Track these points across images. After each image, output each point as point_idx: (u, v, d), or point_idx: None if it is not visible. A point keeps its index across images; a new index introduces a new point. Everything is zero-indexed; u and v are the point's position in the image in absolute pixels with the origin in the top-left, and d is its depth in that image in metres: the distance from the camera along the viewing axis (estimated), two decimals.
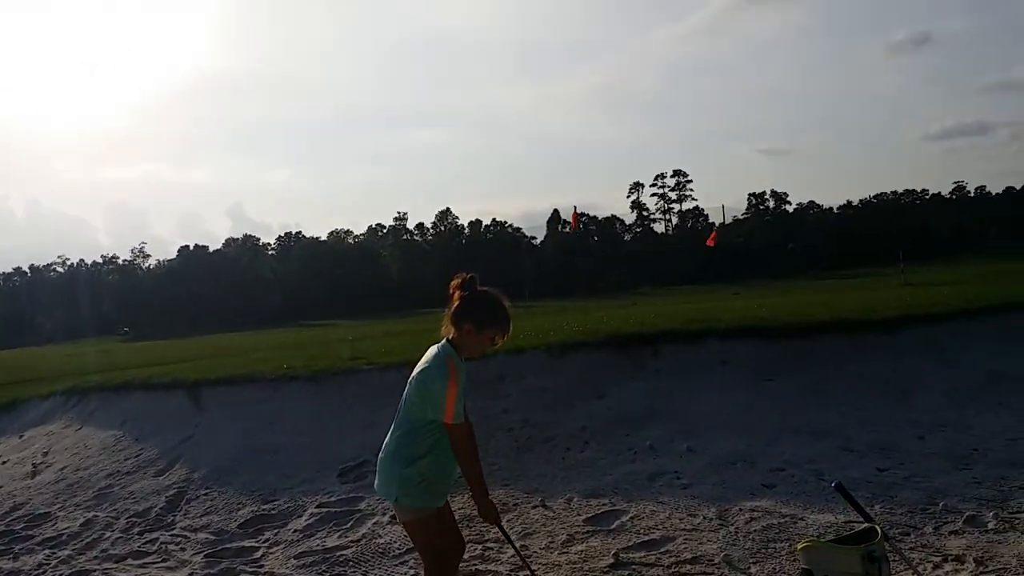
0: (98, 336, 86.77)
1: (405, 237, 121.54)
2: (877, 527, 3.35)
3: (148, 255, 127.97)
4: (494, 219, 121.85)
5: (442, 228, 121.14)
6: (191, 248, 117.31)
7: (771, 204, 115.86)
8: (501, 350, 9.75)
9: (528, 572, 4.28)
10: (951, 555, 4.76)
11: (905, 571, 4.38)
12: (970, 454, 6.65)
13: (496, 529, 4.10)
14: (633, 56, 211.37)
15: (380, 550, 5.76)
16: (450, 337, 3.83)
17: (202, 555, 6.09)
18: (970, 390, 8.19)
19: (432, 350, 3.86)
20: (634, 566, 5.04)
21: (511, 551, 5.46)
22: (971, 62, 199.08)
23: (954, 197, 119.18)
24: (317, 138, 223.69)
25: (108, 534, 6.88)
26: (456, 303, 3.80)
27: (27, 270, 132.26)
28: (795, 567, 4.68)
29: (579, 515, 6.07)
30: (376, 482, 3.92)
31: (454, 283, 3.83)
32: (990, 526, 5.18)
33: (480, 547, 5.57)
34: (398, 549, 5.73)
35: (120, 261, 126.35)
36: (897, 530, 5.20)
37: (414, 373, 3.83)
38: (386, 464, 3.82)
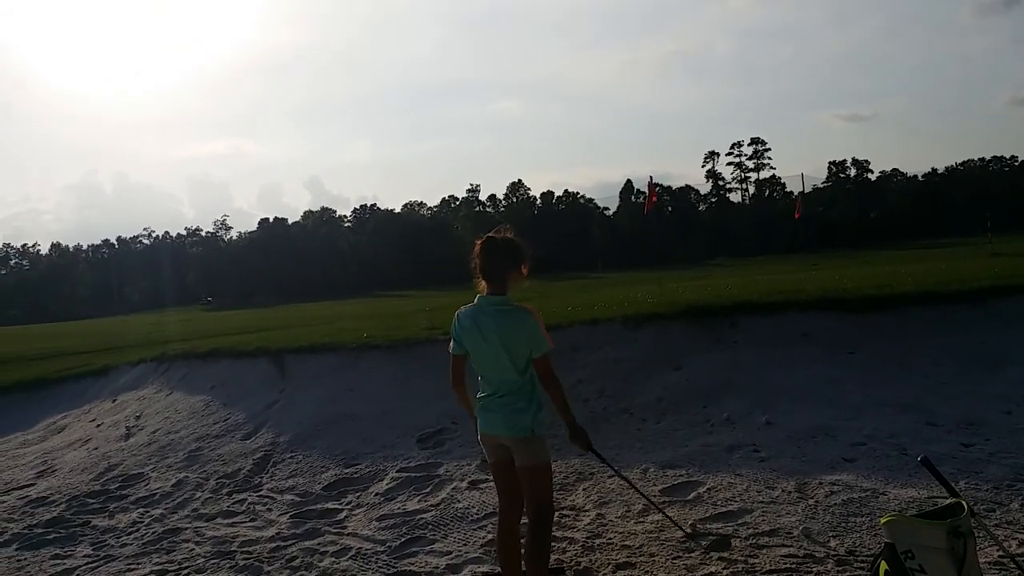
0: (182, 306, 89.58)
1: (478, 209, 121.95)
2: (963, 502, 3.30)
3: (230, 227, 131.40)
4: (566, 190, 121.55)
5: (514, 200, 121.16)
6: (271, 221, 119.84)
7: (852, 172, 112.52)
8: (576, 320, 9.82)
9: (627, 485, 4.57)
10: None
11: (991, 547, 4.30)
12: None
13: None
14: (710, 22, 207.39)
15: (459, 514, 5.89)
16: (491, 291, 4.02)
17: (288, 515, 6.31)
18: None
19: (483, 309, 4.02)
20: (711, 537, 5.05)
21: (587, 519, 5.53)
22: None
23: None
24: (393, 111, 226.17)
25: (198, 494, 7.17)
26: (489, 260, 4.00)
27: (115, 242, 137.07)
28: (875, 541, 4.63)
29: (655, 485, 6.08)
30: (496, 424, 4.08)
31: (479, 246, 4.06)
32: None
33: (556, 515, 5.64)
34: (476, 514, 5.84)
35: (203, 233, 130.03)
36: (982, 506, 5.09)
37: (483, 334, 3.99)
38: (512, 405, 4.01)
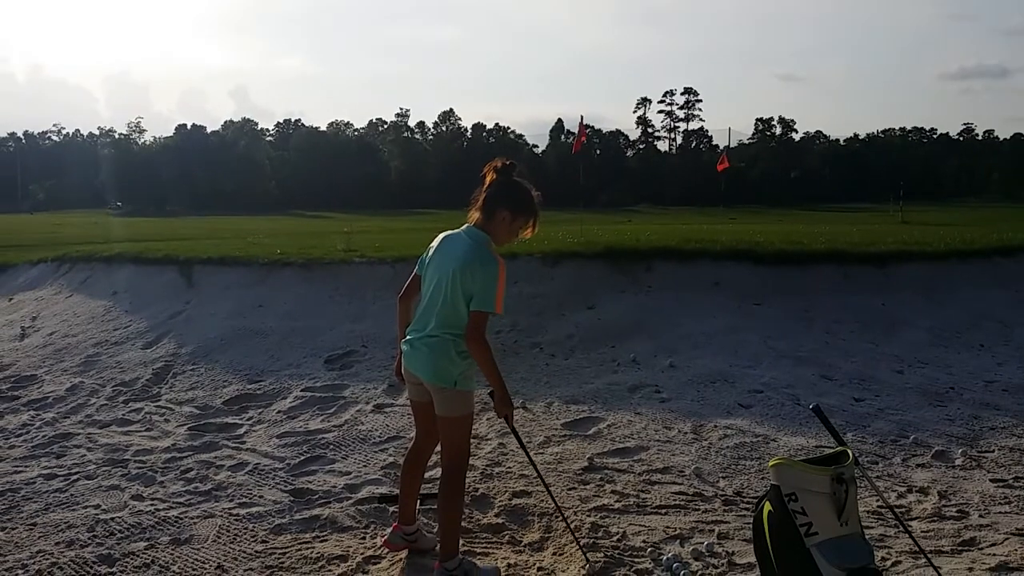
0: (90, 208, 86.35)
1: (405, 135, 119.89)
2: (848, 451, 3.42)
3: (144, 130, 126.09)
4: (497, 124, 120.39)
5: (444, 129, 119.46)
6: (188, 127, 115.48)
7: (777, 131, 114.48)
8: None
9: (534, 468, 4.25)
10: (916, 487, 4.88)
11: (871, 497, 4.51)
12: (946, 392, 6.77)
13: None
14: None
15: (362, 436, 5.87)
16: (477, 223, 3.70)
17: (186, 427, 6.19)
18: (954, 330, 8.31)
19: (459, 236, 3.71)
20: (606, 471, 5.16)
21: (489, 448, 5.58)
22: (1001, 3, 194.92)
23: (961, 139, 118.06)
24: (334, 26, 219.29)
25: (93, 400, 6.97)
26: (492, 187, 3.69)
27: (21, 136, 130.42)
28: (763, 484, 4.80)
29: (558, 419, 6.18)
30: (419, 366, 3.70)
31: (491, 166, 3.71)
32: (957, 463, 5.31)
33: None
34: (379, 437, 5.84)
35: (116, 135, 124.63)
36: (866, 458, 5.33)
37: (445, 261, 3.66)
38: (439, 351, 3.64)
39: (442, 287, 3.64)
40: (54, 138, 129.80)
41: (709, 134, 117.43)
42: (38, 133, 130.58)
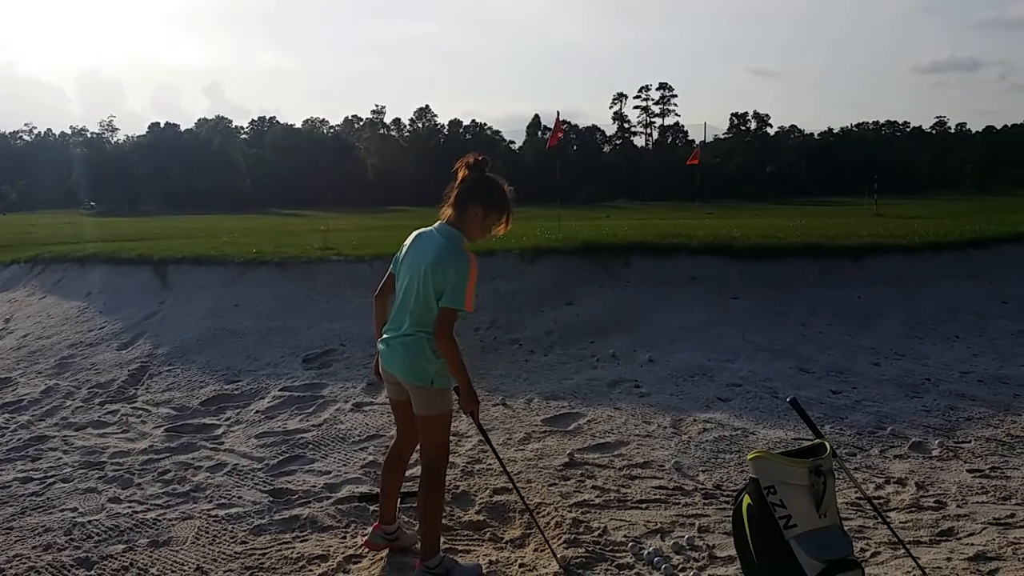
0: (63, 208, 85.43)
1: (381, 132, 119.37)
2: (826, 443, 3.44)
3: (116, 129, 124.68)
4: (473, 120, 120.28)
5: (420, 126, 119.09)
6: (162, 126, 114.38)
7: (752, 125, 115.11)
8: (472, 250, 9.75)
9: (500, 464, 4.27)
10: (894, 478, 4.93)
11: (849, 488, 4.54)
12: (922, 383, 6.84)
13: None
14: None
15: (341, 435, 5.85)
16: (449, 220, 3.68)
17: (163, 429, 6.13)
18: (929, 322, 8.41)
19: (431, 234, 3.70)
20: (587, 466, 5.17)
21: (469, 445, 5.57)
22: None
23: (934, 132, 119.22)
24: (309, 22, 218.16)
25: (69, 403, 6.89)
26: (464, 183, 3.66)
27: None
28: (742, 477, 4.82)
29: (538, 415, 6.18)
30: (396, 365, 3.70)
31: (463, 161, 3.69)
32: (934, 453, 5.36)
33: None
34: (358, 436, 5.81)
35: (89, 134, 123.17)
36: (844, 450, 5.37)
37: (418, 259, 3.64)
38: (415, 350, 3.64)
39: (415, 285, 3.63)
40: (26, 137, 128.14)
41: (685, 129, 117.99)
42: (9, 133, 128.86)
